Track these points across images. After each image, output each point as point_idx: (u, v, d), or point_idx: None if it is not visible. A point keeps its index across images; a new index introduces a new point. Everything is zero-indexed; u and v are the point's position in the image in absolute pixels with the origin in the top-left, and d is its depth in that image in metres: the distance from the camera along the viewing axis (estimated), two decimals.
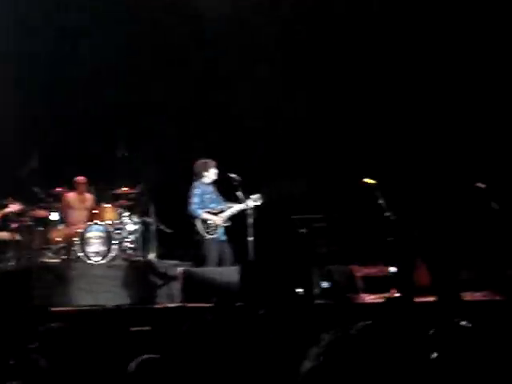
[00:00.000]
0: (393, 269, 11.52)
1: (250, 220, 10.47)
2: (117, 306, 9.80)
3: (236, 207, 10.63)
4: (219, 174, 10.78)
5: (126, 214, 11.98)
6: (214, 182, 10.85)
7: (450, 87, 13.36)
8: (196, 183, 10.70)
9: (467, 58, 13.24)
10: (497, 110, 13.08)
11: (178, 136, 13.60)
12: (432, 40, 13.34)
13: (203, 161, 10.83)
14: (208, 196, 10.71)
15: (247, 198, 10.57)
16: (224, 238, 10.65)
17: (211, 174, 10.74)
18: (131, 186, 12.21)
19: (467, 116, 13.20)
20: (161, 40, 13.71)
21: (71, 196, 12.20)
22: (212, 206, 10.67)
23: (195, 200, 10.59)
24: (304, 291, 9.73)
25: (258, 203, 10.60)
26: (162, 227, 12.25)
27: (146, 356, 3.43)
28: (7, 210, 11.24)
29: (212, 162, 10.80)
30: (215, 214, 10.61)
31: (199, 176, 10.73)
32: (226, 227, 10.68)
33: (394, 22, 13.44)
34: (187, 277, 10.08)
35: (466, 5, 13.13)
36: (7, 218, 11.53)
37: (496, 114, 13.07)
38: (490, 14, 13.01)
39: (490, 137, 13.01)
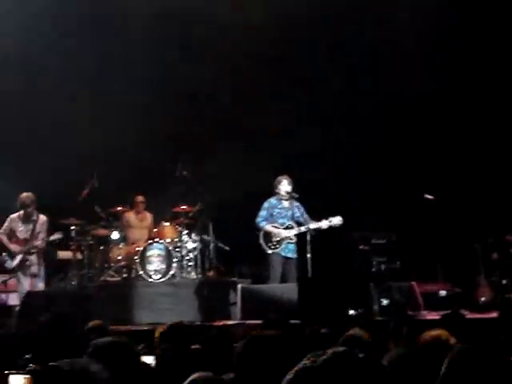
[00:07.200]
0: (443, 292, 11.36)
1: (308, 237, 10.38)
2: (177, 323, 9.82)
3: (306, 226, 10.50)
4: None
5: (186, 232, 12.06)
6: (296, 199, 10.74)
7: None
8: (271, 198, 10.77)
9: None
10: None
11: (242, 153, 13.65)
12: None
13: (279, 177, 10.85)
14: (278, 210, 10.70)
15: (325, 218, 10.47)
16: (290, 254, 10.54)
17: (282, 189, 10.74)
18: (190, 205, 12.29)
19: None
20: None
21: (131, 215, 12.35)
22: (281, 221, 10.63)
23: (261, 213, 10.67)
24: (363, 309, 9.63)
25: (337, 225, 10.48)
26: (220, 245, 12.32)
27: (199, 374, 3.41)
28: (51, 237, 11.20)
29: (283, 177, 10.81)
30: (281, 229, 10.57)
31: (275, 191, 10.78)
32: (297, 244, 10.59)
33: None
34: (245, 294, 10.07)
35: None
36: (69, 237, 11.67)
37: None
38: None
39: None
